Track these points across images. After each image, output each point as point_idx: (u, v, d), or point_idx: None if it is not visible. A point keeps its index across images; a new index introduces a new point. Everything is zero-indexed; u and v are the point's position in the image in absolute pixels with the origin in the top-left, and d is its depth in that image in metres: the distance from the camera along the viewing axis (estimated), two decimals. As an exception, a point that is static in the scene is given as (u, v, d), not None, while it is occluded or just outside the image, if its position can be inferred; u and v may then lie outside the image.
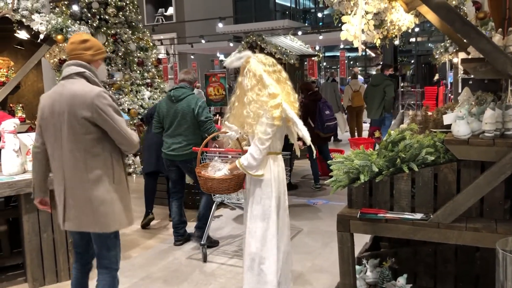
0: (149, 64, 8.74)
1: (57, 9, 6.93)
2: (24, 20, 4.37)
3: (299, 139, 2.95)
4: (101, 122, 2.47)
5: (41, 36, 4.44)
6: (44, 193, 2.71)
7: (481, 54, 2.18)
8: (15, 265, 3.93)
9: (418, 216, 2.30)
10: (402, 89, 17.28)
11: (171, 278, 3.85)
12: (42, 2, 4.47)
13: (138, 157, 7.76)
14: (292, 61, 8.26)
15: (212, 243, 4.47)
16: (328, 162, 2.63)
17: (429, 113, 3.12)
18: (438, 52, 7.49)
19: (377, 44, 4.61)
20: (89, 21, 8.06)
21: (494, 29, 2.81)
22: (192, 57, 20.12)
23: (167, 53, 20.30)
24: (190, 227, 4.77)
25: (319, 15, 24.77)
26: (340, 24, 3.92)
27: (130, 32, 8.47)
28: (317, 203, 5.94)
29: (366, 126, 10.47)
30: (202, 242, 4.15)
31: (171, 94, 4.36)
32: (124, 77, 8.31)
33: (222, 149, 3.66)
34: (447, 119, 2.47)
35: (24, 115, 5.14)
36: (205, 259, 4.12)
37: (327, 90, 10.94)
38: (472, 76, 2.90)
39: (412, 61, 24.15)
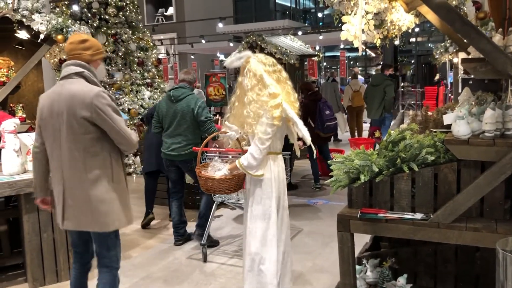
0: (149, 64, 8.74)
1: (57, 9, 6.93)
2: (24, 20, 4.37)
3: (299, 139, 2.95)
4: (100, 121, 2.48)
5: (41, 36, 4.45)
6: (45, 192, 2.72)
7: (481, 54, 2.18)
8: (15, 265, 3.94)
9: (418, 216, 2.30)
10: (402, 89, 17.29)
11: (171, 278, 3.85)
12: (43, 2, 4.47)
13: (138, 157, 7.77)
14: (292, 61, 8.26)
15: (213, 242, 4.47)
16: (328, 162, 2.63)
17: (429, 113, 3.12)
18: (438, 52, 7.49)
19: (377, 44, 4.61)
20: (89, 21, 8.06)
21: (494, 29, 2.81)
22: (192, 57, 20.12)
23: (167, 53, 20.30)
24: (190, 227, 4.78)
25: (319, 15, 24.76)
26: (340, 24, 3.92)
27: (130, 32, 8.48)
28: (317, 203, 5.94)
29: (366, 126, 10.47)
30: (202, 242, 4.15)
31: (170, 94, 4.36)
32: (124, 77, 8.32)
33: (222, 149, 3.66)
34: (447, 119, 2.47)
35: (24, 115, 5.15)
36: (205, 259, 4.13)
37: (327, 90, 10.94)
38: (472, 76, 2.90)
39: (412, 61, 24.15)
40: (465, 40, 2.76)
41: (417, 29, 16.31)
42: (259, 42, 8.41)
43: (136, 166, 7.84)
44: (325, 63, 23.84)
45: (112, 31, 8.25)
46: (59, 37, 4.41)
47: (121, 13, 8.36)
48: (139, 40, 8.65)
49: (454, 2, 4.17)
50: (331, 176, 2.51)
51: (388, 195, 2.41)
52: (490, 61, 2.14)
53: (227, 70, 10.80)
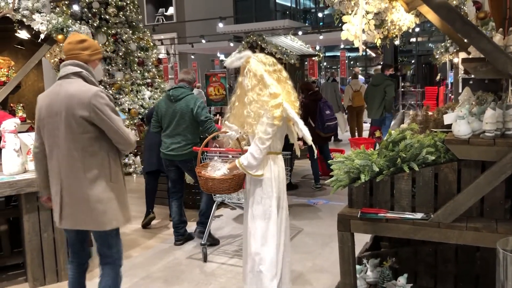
0: (150, 64, 8.74)
1: (57, 9, 6.93)
2: (24, 19, 4.37)
3: (299, 139, 2.95)
4: (98, 121, 2.50)
5: (42, 36, 4.45)
6: (49, 191, 2.74)
7: (482, 54, 2.18)
8: (15, 265, 3.94)
9: (419, 215, 2.30)
10: (403, 89, 17.30)
11: (172, 277, 3.85)
12: (43, 2, 4.47)
13: (138, 157, 7.77)
14: (293, 61, 8.26)
15: (214, 241, 4.48)
16: (329, 161, 2.63)
17: (430, 113, 3.12)
18: (438, 52, 7.50)
19: (378, 44, 4.61)
20: (90, 21, 8.07)
21: (494, 29, 2.81)
22: (192, 57, 20.12)
23: (168, 53, 20.30)
24: (191, 227, 4.78)
25: (320, 15, 24.75)
26: (340, 24, 3.92)
27: (130, 32, 8.48)
28: (317, 203, 5.94)
29: (366, 126, 10.47)
30: (202, 242, 4.15)
31: (170, 93, 4.36)
32: (125, 77, 8.32)
33: (223, 148, 3.66)
34: (447, 118, 2.47)
35: (24, 115, 5.14)
36: (205, 259, 4.13)
37: (327, 90, 10.94)
38: (472, 76, 2.91)
39: (413, 61, 24.14)
40: (465, 40, 2.76)
41: (417, 29, 16.32)
42: (259, 42, 8.41)
43: (137, 166, 7.84)
44: (325, 63, 23.84)
45: (113, 31, 8.25)
46: (60, 37, 4.42)
47: (122, 13, 8.37)
48: (140, 40, 8.65)
49: (454, 2, 4.17)
50: (331, 176, 2.51)
51: (389, 195, 2.41)
52: (491, 61, 2.14)
53: (227, 70, 10.81)
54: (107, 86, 8.17)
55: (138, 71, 8.54)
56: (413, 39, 22.10)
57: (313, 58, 11.91)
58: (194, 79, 4.58)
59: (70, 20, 4.62)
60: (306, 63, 11.21)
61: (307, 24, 23.82)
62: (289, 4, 25.34)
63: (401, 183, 2.37)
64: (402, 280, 2.74)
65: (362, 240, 3.21)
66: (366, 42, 4.57)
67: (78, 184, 2.52)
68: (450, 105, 3.29)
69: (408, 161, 2.33)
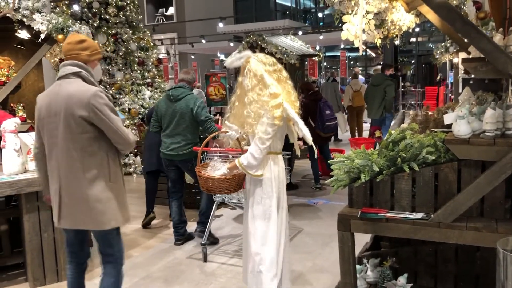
0: (150, 64, 8.75)
1: (57, 8, 6.93)
2: (25, 19, 4.38)
3: (300, 138, 2.95)
4: (97, 121, 2.50)
5: (42, 36, 4.45)
6: None
7: (482, 53, 2.18)
8: (15, 265, 3.94)
9: (419, 215, 2.30)
10: (403, 89, 17.30)
11: (172, 277, 3.85)
12: (43, 2, 4.48)
13: (138, 157, 7.77)
14: (293, 61, 8.26)
15: (214, 239, 4.49)
16: (329, 161, 2.63)
17: (430, 113, 3.12)
18: (438, 52, 7.51)
19: (378, 44, 4.62)
20: (90, 20, 8.07)
21: (494, 29, 2.81)
22: (192, 57, 20.12)
23: (168, 53, 20.31)
24: (191, 227, 4.78)
25: (320, 15, 24.75)
26: (340, 24, 3.93)
27: (130, 32, 8.49)
28: (317, 203, 5.95)
29: (366, 126, 10.47)
30: (202, 242, 4.15)
31: (169, 93, 4.36)
32: (125, 77, 8.32)
33: (223, 148, 3.67)
34: (447, 118, 2.48)
35: (25, 115, 5.15)
36: (205, 259, 4.13)
37: (327, 90, 10.94)
38: (472, 76, 2.91)
39: (413, 61, 24.15)
40: (465, 40, 2.76)
41: (417, 29, 16.33)
42: (259, 42, 8.41)
43: (137, 166, 7.84)
44: (325, 63, 23.84)
45: (113, 31, 8.25)
46: (60, 36, 4.42)
47: (122, 13, 8.37)
48: (140, 40, 8.66)
49: (454, 2, 4.17)
50: (332, 176, 2.51)
51: (389, 195, 2.41)
52: (491, 60, 2.14)
53: (227, 70, 10.81)
54: (107, 86, 8.17)
55: (138, 71, 8.54)
56: (413, 39, 22.11)
57: (313, 58, 11.92)
58: (193, 79, 4.58)
59: (70, 20, 4.63)
60: (306, 63, 11.21)
61: (307, 24, 23.82)
62: (289, 4, 25.34)
63: (401, 183, 2.37)
64: (402, 280, 2.75)
65: (362, 240, 3.21)
66: (366, 42, 4.57)
67: (77, 184, 2.53)
68: (450, 105, 3.29)
69: (408, 161, 2.33)
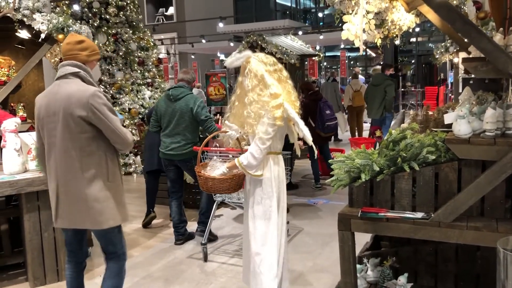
0: (150, 63, 8.75)
1: (58, 8, 6.93)
2: (25, 19, 4.38)
3: (300, 138, 2.95)
4: (96, 121, 2.51)
5: (42, 36, 4.46)
6: None
7: (482, 53, 2.18)
8: (16, 264, 3.94)
9: (419, 215, 2.30)
10: (403, 89, 17.30)
11: (172, 277, 3.85)
12: (43, 2, 4.48)
13: (138, 157, 7.77)
14: (293, 61, 8.26)
15: (213, 237, 4.51)
16: (329, 161, 2.63)
17: (430, 113, 3.13)
18: (438, 52, 7.51)
19: (378, 44, 4.62)
20: (90, 20, 8.08)
21: (495, 28, 2.81)
22: (192, 56, 20.12)
23: (168, 53, 20.31)
24: (191, 227, 4.78)
25: (320, 15, 24.76)
26: (341, 24, 3.93)
27: (130, 31, 8.49)
28: (317, 202, 5.95)
29: (366, 126, 10.47)
30: (202, 242, 4.16)
31: (169, 93, 4.36)
32: (125, 76, 8.32)
33: (223, 148, 3.67)
34: (448, 118, 2.48)
35: (25, 114, 5.16)
36: (205, 259, 4.13)
37: (327, 90, 10.95)
38: (473, 75, 2.91)
39: (413, 61, 24.15)
40: (465, 40, 2.75)
41: (417, 29, 16.32)
42: (259, 42, 8.41)
43: (137, 165, 7.84)
44: (325, 63, 23.84)
45: (113, 31, 8.26)
46: (60, 36, 4.42)
47: (122, 12, 8.37)
48: (140, 40, 8.66)
49: (454, 2, 4.18)
50: (332, 176, 2.51)
51: (389, 194, 2.41)
52: (491, 60, 2.15)
53: (227, 70, 10.81)
54: (108, 86, 8.18)
55: (138, 71, 8.54)
56: (413, 39, 22.11)
57: (313, 58, 11.92)
58: (193, 78, 4.58)
59: (71, 20, 4.63)
60: (306, 63, 11.21)
61: (307, 24, 23.82)
62: (289, 4, 25.35)
63: (401, 182, 2.37)
64: (402, 279, 2.75)
65: (362, 239, 3.21)
66: (367, 42, 4.58)
67: (75, 183, 2.54)
68: (451, 105, 3.29)
69: (409, 161, 2.33)
